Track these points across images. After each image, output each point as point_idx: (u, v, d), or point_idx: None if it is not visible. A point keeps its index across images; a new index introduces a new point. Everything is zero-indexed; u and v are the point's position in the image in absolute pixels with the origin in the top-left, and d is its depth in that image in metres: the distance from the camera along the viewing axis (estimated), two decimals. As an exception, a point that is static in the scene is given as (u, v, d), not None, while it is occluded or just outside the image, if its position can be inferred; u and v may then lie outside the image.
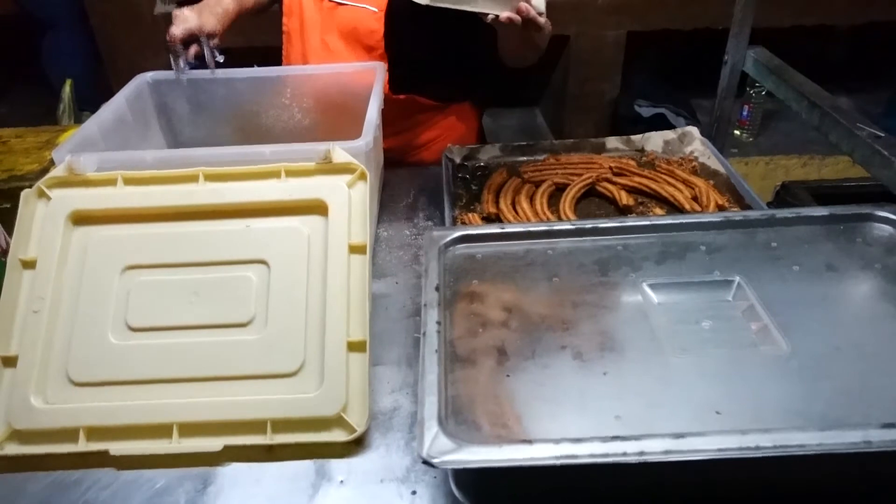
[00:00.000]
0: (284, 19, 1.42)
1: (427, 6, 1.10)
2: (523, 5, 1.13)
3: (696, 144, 1.39)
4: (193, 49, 1.25)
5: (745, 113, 2.77)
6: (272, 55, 1.46)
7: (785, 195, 1.52)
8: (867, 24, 2.75)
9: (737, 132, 2.81)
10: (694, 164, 1.35)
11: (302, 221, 0.90)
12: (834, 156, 2.67)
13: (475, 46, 1.36)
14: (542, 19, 1.17)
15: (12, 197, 1.06)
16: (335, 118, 1.29)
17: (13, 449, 0.80)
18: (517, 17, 1.13)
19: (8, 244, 0.98)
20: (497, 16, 1.12)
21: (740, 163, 2.64)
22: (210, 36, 1.24)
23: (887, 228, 0.88)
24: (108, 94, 1.19)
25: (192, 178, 0.92)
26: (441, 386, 0.68)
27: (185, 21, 1.22)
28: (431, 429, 0.62)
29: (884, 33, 2.73)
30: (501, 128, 3.26)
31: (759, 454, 0.58)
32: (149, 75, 1.27)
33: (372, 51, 1.37)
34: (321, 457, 0.79)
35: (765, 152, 2.73)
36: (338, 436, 0.79)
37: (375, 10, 1.33)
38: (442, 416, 0.64)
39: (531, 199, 1.23)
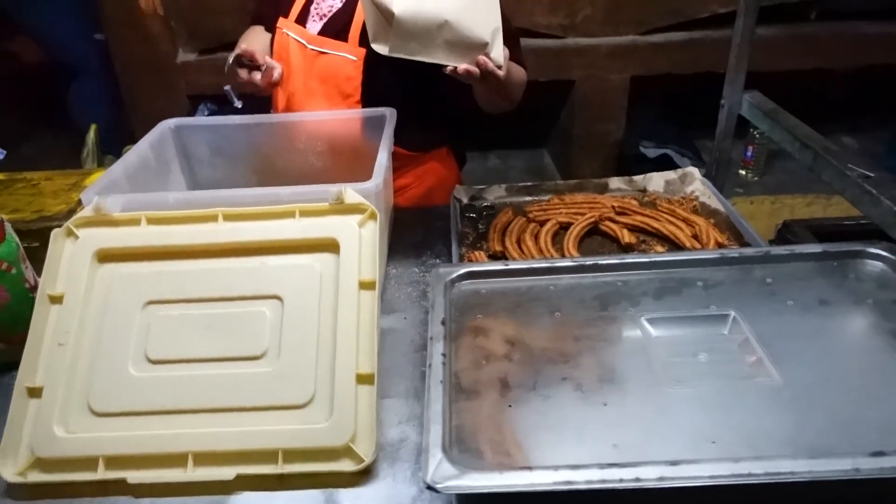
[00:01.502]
0: None
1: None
2: (481, 58, 1.18)
3: (697, 184, 1.44)
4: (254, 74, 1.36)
5: (749, 153, 2.82)
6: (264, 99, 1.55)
7: (786, 233, 1.54)
8: (868, 66, 2.82)
9: (742, 172, 2.86)
10: (695, 203, 1.39)
11: (315, 259, 0.95)
12: (839, 195, 2.70)
13: (453, 95, 1.41)
14: (501, 72, 1.21)
15: (41, 236, 1.11)
16: (347, 161, 1.35)
17: (35, 477, 0.83)
18: (475, 70, 1.18)
19: (36, 281, 1.03)
20: (455, 67, 1.17)
21: (745, 202, 2.68)
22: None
23: (878, 265, 0.91)
24: (131, 138, 1.26)
25: (212, 218, 0.97)
26: (445, 415, 0.71)
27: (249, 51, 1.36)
28: (436, 456, 0.65)
29: (885, 74, 2.79)
30: (510, 168, 3.34)
31: (750, 481, 0.60)
32: (171, 122, 1.34)
33: (349, 97, 1.44)
34: (330, 486, 0.81)
35: (770, 192, 2.76)
36: (346, 465, 0.82)
37: (354, 58, 1.40)
38: (446, 444, 0.67)
39: (536, 238, 1.28)
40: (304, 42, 1.44)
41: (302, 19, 1.47)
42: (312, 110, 1.43)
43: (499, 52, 1.20)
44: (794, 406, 0.71)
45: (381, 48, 1.18)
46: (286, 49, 1.47)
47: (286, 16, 1.49)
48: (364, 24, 1.30)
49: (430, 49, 1.17)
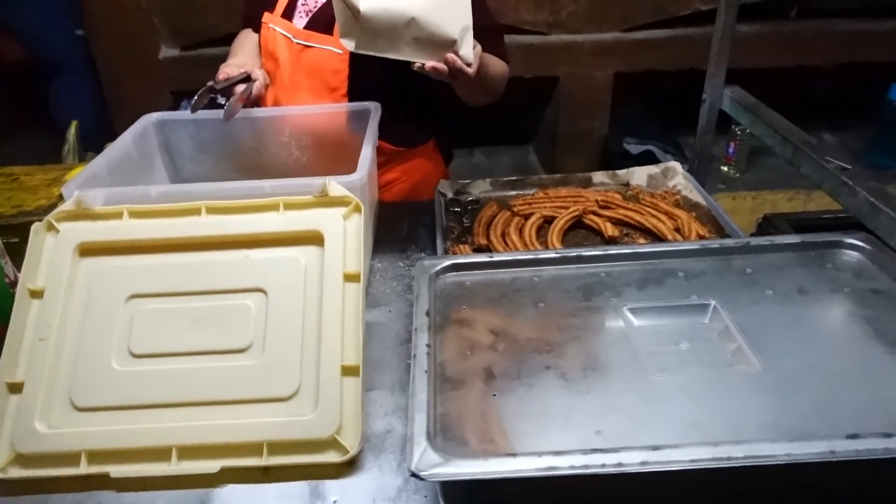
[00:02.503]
0: (262, 59, 1.51)
1: None
2: (449, 56, 1.17)
3: (679, 178, 1.45)
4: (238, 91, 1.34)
5: (731, 150, 2.84)
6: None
7: (767, 227, 1.56)
8: (849, 63, 2.86)
9: (724, 168, 2.88)
10: (677, 197, 1.40)
11: (299, 252, 0.94)
12: (819, 190, 2.74)
13: (438, 89, 1.41)
14: (471, 70, 1.20)
15: (21, 231, 1.10)
16: (331, 155, 1.35)
17: (16, 472, 0.82)
18: (442, 67, 1.17)
19: (16, 276, 1.02)
20: (423, 64, 1.17)
21: (727, 198, 2.71)
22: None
23: (855, 255, 0.93)
24: (112, 135, 1.25)
25: (195, 212, 0.96)
26: (430, 405, 0.71)
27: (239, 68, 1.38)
28: (420, 444, 0.65)
29: (866, 72, 2.83)
30: (495, 164, 3.34)
31: (730, 464, 0.61)
32: (154, 116, 1.32)
33: (334, 91, 1.43)
34: (316, 478, 0.81)
35: (752, 187, 2.79)
36: (332, 457, 0.82)
37: (340, 52, 1.40)
38: (431, 433, 0.67)
39: (520, 231, 1.28)
40: (289, 36, 1.44)
41: (288, 14, 1.47)
42: (299, 104, 1.42)
43: (468, 50, 1.19)
44: (774, 392, 0.72)
45: (348, 44, 1.18)
46: (273, 43, 1.46)
47: (272, 10, 1.48)
48: None
49: (397, 46, 1.17)
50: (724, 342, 0.80)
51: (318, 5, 1.45)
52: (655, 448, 0.63)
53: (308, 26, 1.44)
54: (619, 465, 0.62)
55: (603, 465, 0.61)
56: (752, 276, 0.91)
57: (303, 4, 1.47)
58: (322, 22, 1.43)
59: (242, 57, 1.49)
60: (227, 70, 1.37)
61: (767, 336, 0.80)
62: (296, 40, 1.43)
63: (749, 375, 0.75)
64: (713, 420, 0.70)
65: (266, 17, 1.48)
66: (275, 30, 1.46)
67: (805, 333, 0.81)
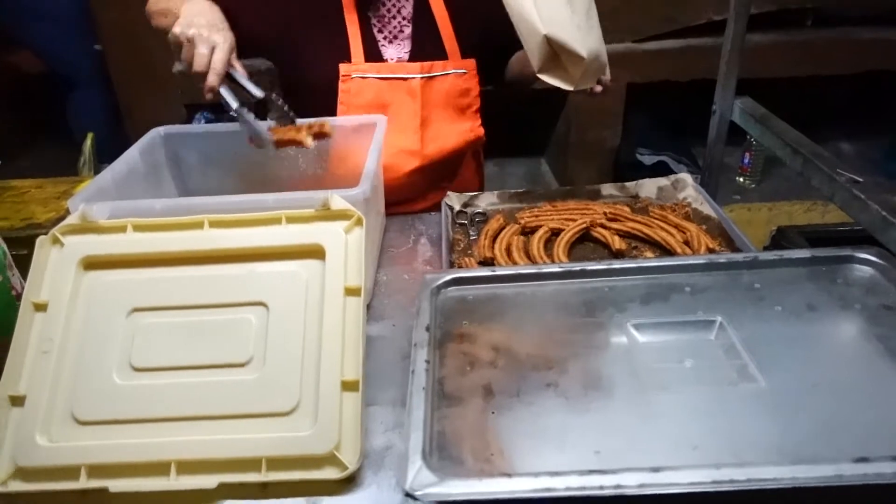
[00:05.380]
0: (354, 110, 1.40)
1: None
2: (604, 79, 1.34)
3: (689, 190, 1.43)
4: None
5: (746, 160, 2.81)
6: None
7: (780, 239, 1.54)
8: (865, 72, 2.82)
9: (739, 179, 2.85)
10: (687, 209, 1.38)
11: (301, 265, 0.94)
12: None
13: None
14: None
15: (29, 244, 1.11)
16: (338, 168, 1.35)
17: (17, 486, 0.82)
18: (598, 88, 1.34)
19: (23, 288, 1.03)
20: (591, 89, 1.34)
21: (743, 208, 2.68)
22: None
23: (867, 270, 0.90)
24: (126, 147, 1.26)
25: (198, 225, 0.96)
26: (427, 422, 0.70)
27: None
28: (415, 463, 0.64)
29: (883, 80, 2.79)
30: (508, 175, 3.34)
31: (732, 488, 0.60)
32: (162, 129, 1.33)
33: (467, 109, 1.48)
34: (314, 494, 0.80)
35: (767, 198, 2.76)
36: (330, 473, 0.81)
37: (465, 70, 1.43)
38: (426, 451, 0.66)
39: (527, 245, 1.27)
40: (407, 76, 1.39)
41: (373, 55, 1.39)
42: (436, 137, 1.42)
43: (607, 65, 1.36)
44: (779, 412, 0.70)
45: (562, 84, 1.26)
46: (373, 92, 1.38)
47: (345, 61, 1.38)
48: (454, 30, 1.40)
49: (591, 79, 1.32)
50: (730, 360, 0.78)
51: (402, 29, 1.42)
52: (655, 470, 0.61)
53: (414, 58, 1.42)
54: (618, 486, 0.60)
55: (601, 487, 0.60)
56: (760, 291, 0.90)
57: (382, 36, 1.42)
58: (427, 48, 1.41)
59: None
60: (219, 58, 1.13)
61: (774, 353, 0.78)
62: (420, 76, 1.39)
63: (754, 394, 0.73)
64: (715, 441, 0.68)
65: (347, 68, 1.38)
66: (386, 79, 1.38)
67: (813, 351, 0.79)
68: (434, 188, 1.57)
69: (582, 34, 1.23)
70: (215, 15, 1.19)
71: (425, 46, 1.43)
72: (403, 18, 1.43)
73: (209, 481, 0.80)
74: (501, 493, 0.61)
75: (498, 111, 1.73)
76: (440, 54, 1.44)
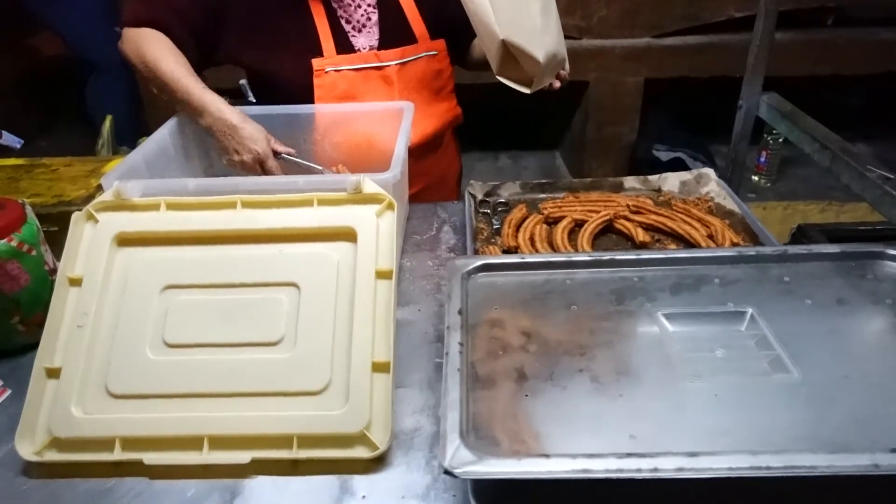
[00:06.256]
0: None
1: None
2: (562, 73, 1.40)
3: (712, 185, 1.43)
4: None
5: (762, 159, 2.81)
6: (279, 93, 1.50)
7: (801, 237, 1.54)
8: (885, 72, 2.80)
9: (754, 178, 2.85)
10: (710, 204, 1.38)
11: (332, 248, 0.95)
12: (853, 202, 2.70)
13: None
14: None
15: (60, 220, 1.13)
16: (363, 153, 1.35)
17: (52, 456, 0.83)
18: (557, 84, 1.40)
19: (55, 264, 1.04)
20: (550, 84, 1.38)
21: (758, 207, 2.67)
22: None
23: (898, 266, 0.91)
24: (145, 130, 1.27)
25: (231, 205, 0.97)
26: (462, 403, 0.71)
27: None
28: (454, 442, 0.65)
29: (901, 82, 2.78)
30: (521, 168, 3.34)
31: (769, 474, 0.60)
32: (190, 111, 1.34)
33: (442, 90, 1.50)
34: (344, 473, 0.81)
35: (782, 197, 2.76)
36: (361, 452, 0.82)
37: (436, 52, 1.44)
38: (463, 431, 0.67)
39: (550, 234, 1.28)
40: (384, 65, 1.39)
41: (343, 47, 1.38)
42: (418, 122, 1.40)
43: (567, 61, 1.41)
44: (813, 403, 0.71)
45: (515, 86, 1.31)
46: (347, 83, 1.37)
47: (317, 55, 1.36)
48: (420, 13, 1.42)
49: (547, 77, 1.35)
50: (762, 351, 0.79)
51: (369, 17, 1.41)
52: (692, 454, 0.62)
53: (384, 45, 1.41)
54: (655, 469, 0.61)
55: (639, 470, 0.61)
56: (790, 285, 0.90)
57: (349, 26, 1.40)
58: (396, 33, 1.41)
59: (189, 87, 1.24)
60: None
61: (806, 346, 0.78)
62: (394, 62, 1.39)
63: (787, 385, 0.73)
64: (748, 429, 0.68)
65: (320, 62, 1.36)
66: (360, 70, 1.38)
67: (845, 344, 0.79)
68: (419, 173, 1.56)
69: (538, 35, 1.24)
70: (245, 123, 1.23)
71: (393, 32, 1.42)
72: (369, 6, 1.42)
73: (242, 457, 0.81)
74: (539, 473, 0.62)
75: (511, 104, 1.74)
76: (409, 39, 1.43)
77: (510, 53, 1.24)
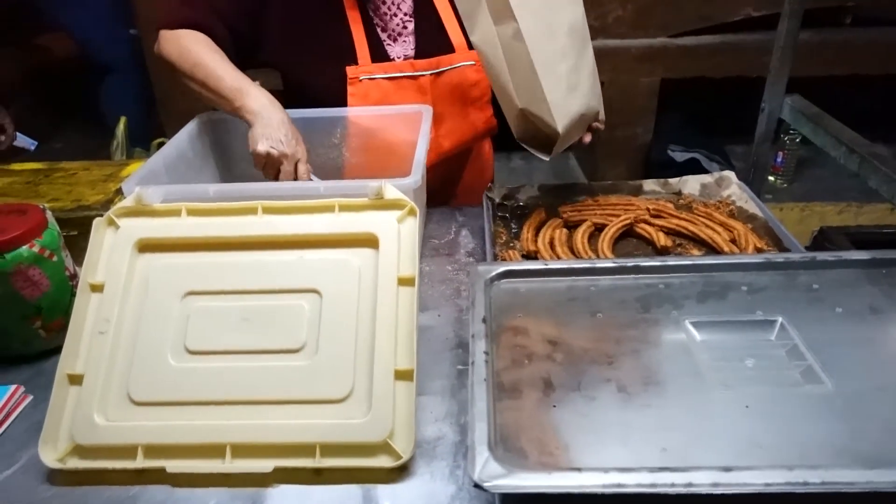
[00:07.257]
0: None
1: None
2: (595, 125, 1.30)
3: (734, 188, 1.41)
4: None
5: (779, 159, 2.78)
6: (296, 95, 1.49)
7: (823, 240, 1.52)
8: (904, 74, 2.77)
9: (771, 178, 2.82)
10: (731, 207, 1.37)
11: (353, 254, 0.94)
12: (872, 203, 2.66)
13: None
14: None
15: (79, 225, 1.13)
16: (381, 158, 1.35)
17: (74, 463, 0.83)
18: (587, 138, 1.31)
19: (75, 269, 1.04)
20: (580, 139, 1.30)
21: (774, 208, 2.62)
22: None
23: (931, 273, 0.89)
24: (159, 132, 1.27)
25: (252, 211, 0.97)
26: (490, 414, 0.70)
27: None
28: (482, 454, 0.64)
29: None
30: (534, 169, 3.32)
31: (806, 489, 0.59)
32: (206, 115, 1.34)
33: (478, 100, 1.46)
34: (367, 482, 0.81)
35: (799, 199, 2.72)
36: (384, 461, 0.81)
37: (473, 62, 1.40)
38: (491, 443, 0.66)
39: (570, 239, 1.26)
40: (416, 74, 1.37)
41: (379, 55, 1.37)
42: (448, 132, 1.40)
43: (602, 109, 1.30)
44: (847, 415, 0.69)
45: (535, 152, 1.24)
46: (381, 92, 1.37)
47: (352, 63, 1.35)
48: (458, 22, 1.35)
49: (576, 135, 1.27)
50: (793, 360, 0.77)
51: (405, 25, 1.40)
52: (726, 469, 0.61)
53: (420, 54, 1.39)
54: (689, 484, 0.60)
55: (672, 485, 0.60)
56: (819, 292, 0.88)
57: (383, 32, 1.39)
58: (433, 42, 1.39)
59: (238, 77, 1.24)
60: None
61: (838, 355, 0.77)
62: (429, 72, 1.37)
63: (819, 396, 0.72)
64: (780, 440, 0.67)
65: (354, 71, 1.36)
66: (393, 78, 1.36)
67: (879, 354, 0.78)
68: (449, 181, 1.57)
69: (562, 99, 1.15)
70: (290, 125, 1.20)
71: (430, 41, 1.41)
72: (405, 15, 1.40)
73: (265, 465, 0.81)
74: (571, 487, 0.61)
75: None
76: (446, 48, 1.41)
77: (530, 119, 1.19)
